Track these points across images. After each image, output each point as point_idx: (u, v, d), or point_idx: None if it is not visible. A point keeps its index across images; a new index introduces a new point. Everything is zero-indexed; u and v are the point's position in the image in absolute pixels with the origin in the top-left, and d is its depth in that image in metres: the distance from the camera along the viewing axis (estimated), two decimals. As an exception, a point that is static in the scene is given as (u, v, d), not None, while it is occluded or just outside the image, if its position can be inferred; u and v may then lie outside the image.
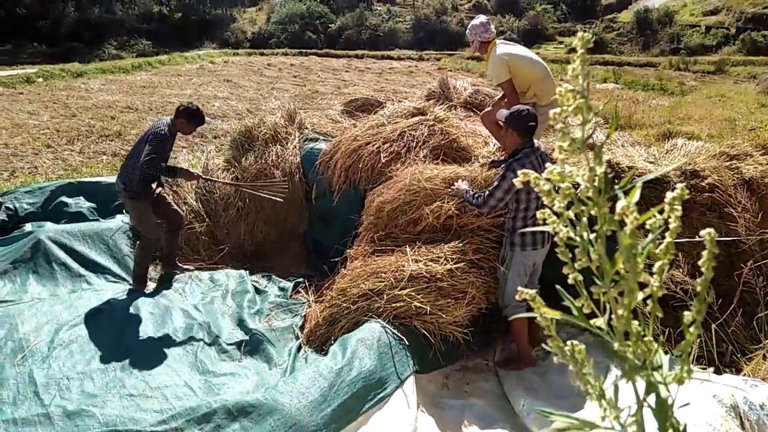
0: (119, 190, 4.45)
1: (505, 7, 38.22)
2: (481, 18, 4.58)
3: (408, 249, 3.91)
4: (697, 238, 3.71)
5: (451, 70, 21.36)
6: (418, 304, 3.49)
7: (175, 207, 4.85)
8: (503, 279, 3.64)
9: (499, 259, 3.76)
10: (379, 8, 40.15)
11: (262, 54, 29.40)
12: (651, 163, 4.51)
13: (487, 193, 3.51)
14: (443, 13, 37.57)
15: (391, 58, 29.40)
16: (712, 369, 1.68)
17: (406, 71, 23.33)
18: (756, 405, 2.17)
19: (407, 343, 3.32)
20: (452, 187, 4.03)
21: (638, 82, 18.11)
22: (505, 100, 4.43)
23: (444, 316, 3.52)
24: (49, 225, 5.05)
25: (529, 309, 0.84)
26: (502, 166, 3.61)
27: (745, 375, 2.85)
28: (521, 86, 4.36)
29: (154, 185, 4.58)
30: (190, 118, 4.40)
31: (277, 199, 4.81)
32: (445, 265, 3.70)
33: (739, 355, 3.16)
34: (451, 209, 3.99)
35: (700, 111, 8.90)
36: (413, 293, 3.56)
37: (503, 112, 3.98)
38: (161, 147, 4.28)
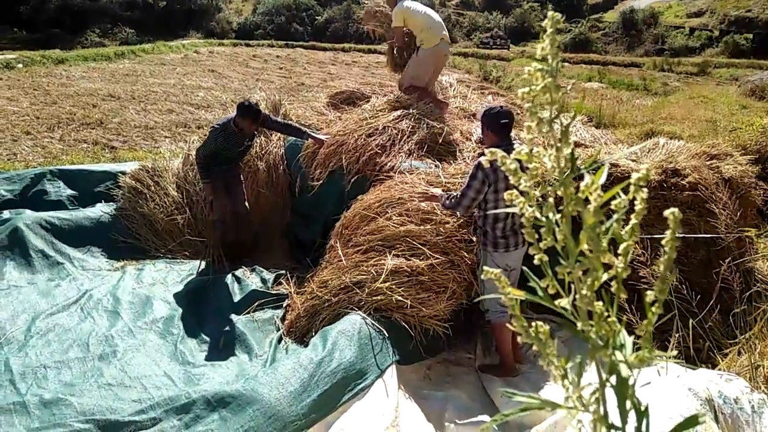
0: None
1: (493, 3, 38.22)
2: None
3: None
4: (679, 234, 3.75)
5: (437, 66, 21.28)
6: (399, 298, 3.49)
7: (238, 197, 5.04)
8: (481, 283, 3.55)
9: (476, 261, 3.68)
10: (366, 2, 39.94)
11: (247, 45, 29.02)
12: (633, 161, 4.56)
13: (459, 193, 3.38)
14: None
15: (378, 52, 29.08)
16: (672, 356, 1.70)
17: (392, 66, 23.20)
18: (730, 398, 2.21)
19: (387, 336, 3.32)
20: (427, 192, 3.96)
21: (622, 81, 18.22)
22: (394, 39, 5.99)
23: (424, 309, 3.52)
24: (27, 212, 4.97)
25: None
26: (473, 164, 3.45)
27: (720, 370, 2.90)
28: (414, 31, 5.69)
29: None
30: (239, 113, 4.60)
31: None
32: (426, 260, 3.70)
33: (715, 351, 3.21)
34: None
35: (682, 111, 9.01)
36: (394, 286, 3.55)
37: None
38: (209, 139, 4.69)
